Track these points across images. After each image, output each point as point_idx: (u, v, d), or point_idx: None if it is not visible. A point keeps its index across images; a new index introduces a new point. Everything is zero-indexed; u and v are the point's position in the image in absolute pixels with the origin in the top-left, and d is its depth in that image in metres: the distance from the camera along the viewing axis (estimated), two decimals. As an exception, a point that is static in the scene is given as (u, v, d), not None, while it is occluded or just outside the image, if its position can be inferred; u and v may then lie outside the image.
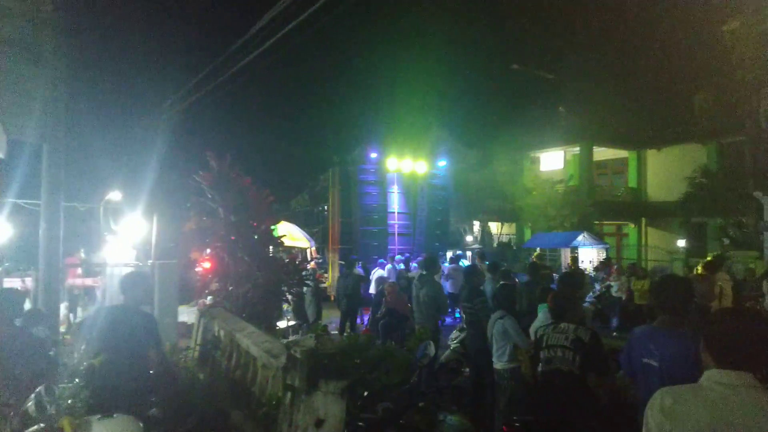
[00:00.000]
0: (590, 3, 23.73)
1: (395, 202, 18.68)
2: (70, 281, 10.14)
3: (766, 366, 2.06)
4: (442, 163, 19.82)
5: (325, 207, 20.66)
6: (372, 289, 12.43)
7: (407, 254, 16.53)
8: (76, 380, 3.88)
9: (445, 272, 13.18)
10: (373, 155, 17.78)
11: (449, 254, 17.35)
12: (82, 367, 3.92)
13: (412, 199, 19.03)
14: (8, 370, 3.73)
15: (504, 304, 5.53)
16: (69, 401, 3.64)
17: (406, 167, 18.09)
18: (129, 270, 7.58)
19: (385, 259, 14.54)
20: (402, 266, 14.36)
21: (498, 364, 5.37)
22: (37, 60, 4.43)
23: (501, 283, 6.91)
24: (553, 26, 27.07)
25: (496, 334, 5.36)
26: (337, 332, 10.49)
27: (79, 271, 10.62)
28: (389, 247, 17.79)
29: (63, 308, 8.67)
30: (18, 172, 7.87)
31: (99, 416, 3.02)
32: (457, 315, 13.45)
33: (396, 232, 18.53)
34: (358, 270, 12.93)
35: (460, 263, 14.00)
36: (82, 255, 11.49)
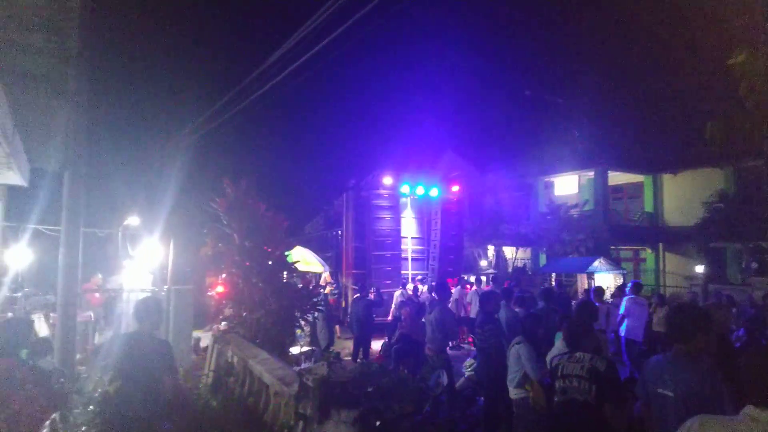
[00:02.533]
0: (603, 28, 23.91)
1: (409, 227, 18.68)
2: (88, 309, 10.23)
3: None
4: (456, 187, 19.84)
5: (339, 231, 20.71)
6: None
7: (422, 277, 16.51)
8: (91, 407, 3.89)
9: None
10: (387, 180, 17.84)
11: (465, 278, 17.28)
12: (96, 394, 3.94)
13: (426, 224, 19.02)
14: (5, 404, 3.64)
15: (526, 333, 5.46)
16: (83, 428, 3.67)
17: (419, 192, 18.14)
18: (143, 296, 7.67)
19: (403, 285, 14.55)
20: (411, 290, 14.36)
21: (512, 392, 5.29)
22: (60, 93, 4.57)
23: (528, 312, 6.86)
24: (566, 52, 27.25)
25: (511, 359, 5.31)
26: (350, 358, 10.45)
27: (97, 296, 10.73)
28: (402, 272, 17.75)
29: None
30: (40, 199, 8.05)
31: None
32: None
33: (409, 257, 18.48)
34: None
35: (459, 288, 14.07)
36: (100, 279, 11.61)
